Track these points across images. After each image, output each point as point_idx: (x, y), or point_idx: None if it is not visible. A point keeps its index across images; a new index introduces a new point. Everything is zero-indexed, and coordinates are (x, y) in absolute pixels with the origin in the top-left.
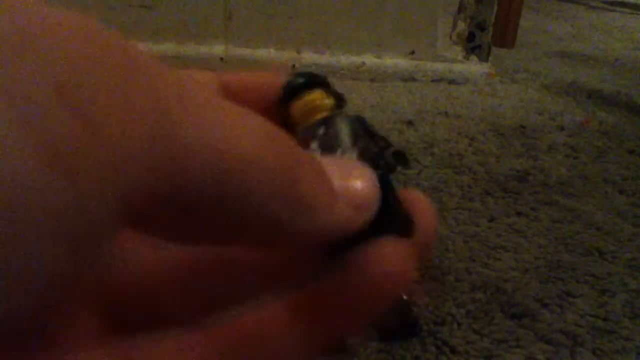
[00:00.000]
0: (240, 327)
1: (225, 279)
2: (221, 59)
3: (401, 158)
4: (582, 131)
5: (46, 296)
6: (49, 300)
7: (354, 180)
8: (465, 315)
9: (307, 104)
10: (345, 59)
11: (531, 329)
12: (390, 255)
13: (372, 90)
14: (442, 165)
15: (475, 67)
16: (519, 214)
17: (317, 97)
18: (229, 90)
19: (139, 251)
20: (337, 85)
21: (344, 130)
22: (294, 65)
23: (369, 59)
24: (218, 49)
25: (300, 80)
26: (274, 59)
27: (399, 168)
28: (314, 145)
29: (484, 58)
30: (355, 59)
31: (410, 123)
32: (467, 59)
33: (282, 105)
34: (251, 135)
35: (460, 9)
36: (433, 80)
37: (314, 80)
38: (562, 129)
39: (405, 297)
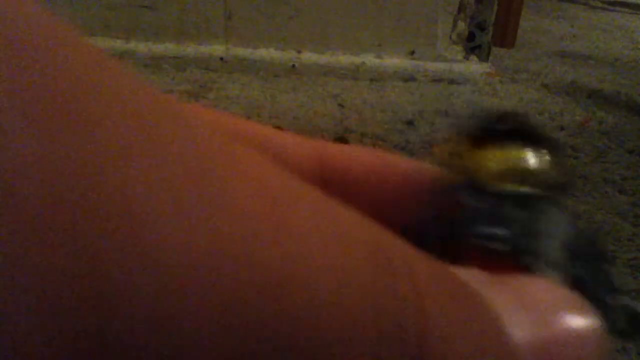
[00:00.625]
0: None
1: None
2: (221, 58)
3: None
4: (582, 131)
5: None
6: None
7: (563, 334)
8: None
9: (511, 161)
10: (345, 59)
11: None
12: None
13: (372, 90)
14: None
15: (475, 67)
16: None
17: (529, 159)
18: (333, 172)
19: None
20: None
21: (554, 233)
22: (293, 65)
23: (369, 59)
24: (218, 48)
25: (506, 126)
26: (274, 59)
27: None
28: (496, 232)
29: (484, 58)
30: (356, 59)
31: (410, 123)
32: (467, 59)
33: (461, 145)
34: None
35: (460, 9)
36: (433, 80)
37: (530, 132)
38: (562, 128)
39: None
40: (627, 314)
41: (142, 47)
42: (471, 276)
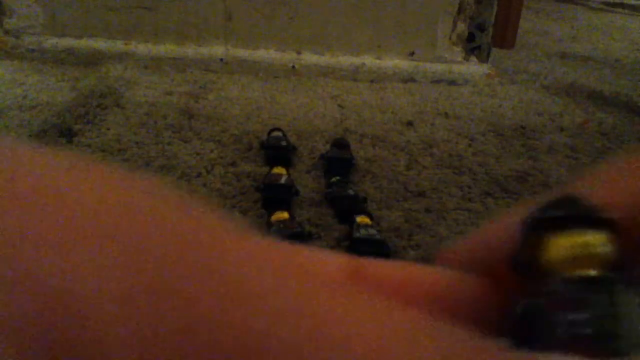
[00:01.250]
0: None
1: None
2: (221, 59)
3: None
4: (582, 132)
5: None
6: None
7: None
8: None
9: (577, 246)
10: (345, 60)
11: None
12: None
13: (372, 91)
14: (442, 165)
15: (475, 68)
16: None
17: (593, 241)
18: (368, 284)
19: None
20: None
21: (632, 312)
22: (293, 67)
23: (369, 60)
24: (218, 49)
25: (562, 212)
26: (273, 60)
27: None
28: (567, 318)
29: (483, 59)
30: (355, 60)
31: (410, 124)
32: (467, 60)
33: (526, 239)
34: None
35: (460, 9)
36: (433, 81)
37: (594, 216)
38: (561, 129)
39: None
40: None
41: (142, 48)
42: None
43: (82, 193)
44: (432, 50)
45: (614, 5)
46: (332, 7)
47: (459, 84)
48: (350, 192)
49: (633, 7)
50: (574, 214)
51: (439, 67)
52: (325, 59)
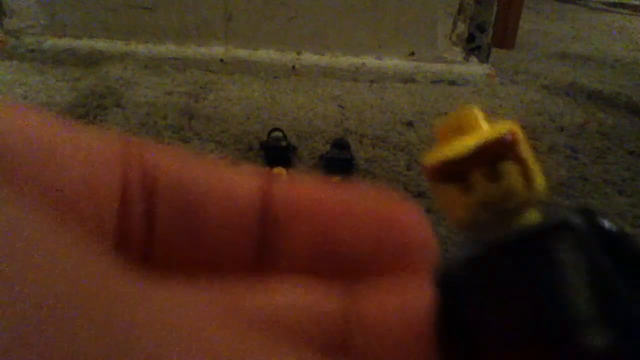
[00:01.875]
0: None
1: None
2: (221, 60)
3: None
4: (582, 132)
5: None
6: None
7: None
8: None
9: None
10: (345, 60)
11: None
12: None
13: (372, 91)
14: None
15: (475, 68)
16: None
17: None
18: (278, 207)
19: None
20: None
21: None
22: (293, 67)
23: (369, 60)
24: (218, 50)
25: None
26: (273, 60)
27: None
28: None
29: (483, 59)
30: (355, 60)
31: (410, 124)
32: (467, 60)
33: None
34: None
35: (460, 10)
36: (433, 82)
37: None
38: (562, 129)
39: None
40: None
41: (142, 48)
42: None
43: None
44: (432, 51)
45: (614, 5)
46: (332, 8)
47: (459, 84)
48: None
49: (633, 7)
50: None
51: (439, 68)
52: (325, 59)
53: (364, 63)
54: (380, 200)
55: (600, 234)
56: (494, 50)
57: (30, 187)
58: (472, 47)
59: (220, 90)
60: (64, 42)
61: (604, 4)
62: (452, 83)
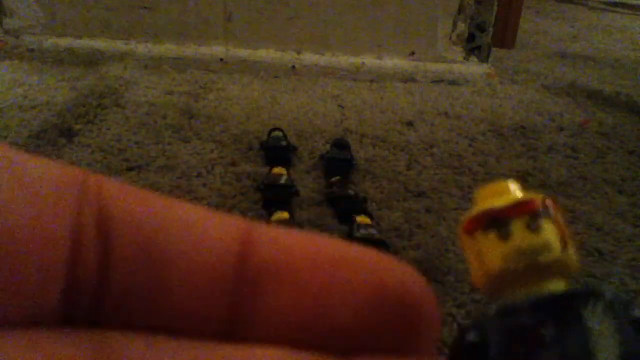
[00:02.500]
0: None
1: None
2: (221, 59)
3: None
4: (582, 132)
5: None
6: None
7: None
8: (465, 315)
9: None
10: (345, 60)
11: None
12: None
13: (372, 91)
14: (442, 165)
15: (475, 68)
16: None
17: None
18: (258, 259)
19: None
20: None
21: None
22: (293, 66)
23: (369, 60)
24: (218, 49)
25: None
26: (273, 60)
27: None
28: None
29: (483, 59)
30: (355, 60)
31: (410, 124)
32: (467, 60)
33: None
34: None
35: (460, 9)
36: (433, 81)
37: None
38: (562, 129)
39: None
40: None
41: (141, 48)
42: None
43: None
44: (433, 50)
45: (615, 5)
46: (332, 7)
47: (459, 84)
48: (351, 192)
49: (633, 7)
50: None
51: (439, 67)
52: (325, 59)
53: (364, 63)
54: (382, 264)
55: (630, 317)
56: (494, 50)
57: None
58: (472, 46)
59: (220, 89)
60: (64, 42)
61: (604, 3)
62: (452, 83)
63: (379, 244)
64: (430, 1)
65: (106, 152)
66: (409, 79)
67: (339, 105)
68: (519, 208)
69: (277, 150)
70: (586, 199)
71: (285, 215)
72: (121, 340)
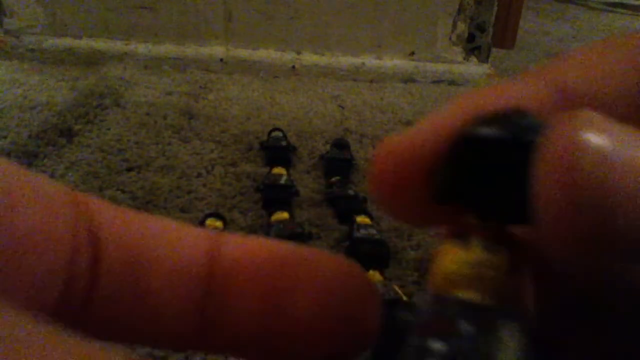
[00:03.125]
0: None
1: None
2: (221, 59)
3: None
4: None
5: None
6: None
7: None
8: None
9: (463, 264)
10: (345, 60)
11: None
12: None
13: (371, 91)
14: None
15: (475, 68)
16: None
17: (491, 263)
18: (225, 268)
19: None
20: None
21: (503, 352)
22: (293, 67)
23: (369, 60)
24: (218, 50)
25: (508, 130)
26: (273, 60)
27: None
28: (432, 345)
29: (483, 59)
30: (355, 60)
31: (410, 124)
32: (467, 60)
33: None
34: None
35: (460, 10)
36: (433, 81)
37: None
38: None
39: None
40: None
41: (141, 48)
42: None
43: None
44: (432, 51)
45: (615, 5)
46: (332, 7)
47: (459, 84)
48: (350, 192)
49: (634, 8)
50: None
51: (439, 67)
52: (325, 59)
53: (363, 63)
54: (332, 262)
55: None
56: (494, 50)
57: None
58: (472, 47)
59: (220, 90)
60: (64, 42)
61: (604, 4)
62: (452, 83)
63: (378, 244)
64: (430, 1)
65: (106, 152)
66: (409, 79)
67: (339, 106)
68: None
69: (277, 150)
70: None
71: (285, 215)
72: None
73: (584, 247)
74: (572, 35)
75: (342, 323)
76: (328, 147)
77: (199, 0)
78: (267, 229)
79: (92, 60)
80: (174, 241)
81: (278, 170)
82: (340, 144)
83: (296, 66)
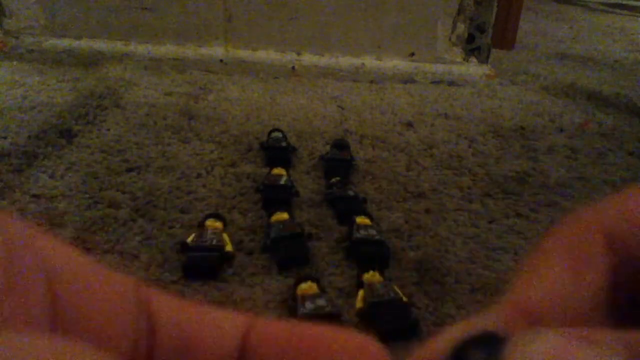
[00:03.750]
0: None
1: None
2: (221, 60)
3: None
4: (582, 133)
5: None
6: None
7: None
8: (465, 316)
9: None
10: (345, 61)
11: None
12: None
13: (371, 91)
14: (442, 166)
15: (474, 69)
16: (518, 215)
17: None
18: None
19: None
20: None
21: None
22: (293, 67)
23: (369, 61)
24: (218, 50)
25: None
26: (273, 61)
27: None
28: None
29: (483, 60)
30: (355, 61)
31: (410, 125)
32: (467, 61)
33: None
34: None
35: (460, 10)
36: (433, 82)
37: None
38: (561, 130)
39: (404, 299)
40: None
41: (142, 49)
42: None
43: None
44: (432, 51)
45: (614, 6)
46: (332, 8)
47: (458, 85)
48: (350, 193)
49: (633, 8)
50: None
51: (438, 68)
52: (325, 60)
53: (363, 63)
54: (357, 346)
55: None
56: (493, 50)
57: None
58: (472, 47)
59: (220, 90)
60: (64, 43)
61: (603, 4)
62: (451, 84)
63: (378, 244)
64: (430, 2)
65: (106, 153)
66: (408, 80)
67: (339, 106)
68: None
69: (277, 151)
70: (586, 199)
71: (284, 216)
72: None
73: None
74: (572, 36)
75: None
76: (328, 147)
77: (199, 1)
78: (267, 230)
79: (92, 61)
80: (215, 329)
81: (278, 170)
82: (340, 145)
83: (296, 67)
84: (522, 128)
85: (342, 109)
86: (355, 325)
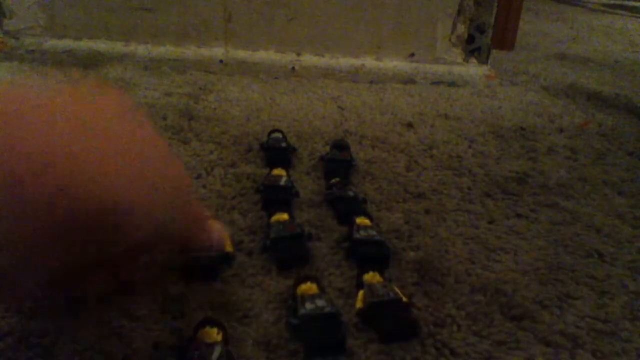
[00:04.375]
0: None
1: None
2: (221, 61)
3: None
4: (582, 133)
5: None
6: None
7: None
8: (465, 317)
9: None
10: (345, 61)
11: (531, 330)
12: None
13: (371, 92)
14: (442, 167)
15: (474, 69)
16: (518, 215)
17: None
18: None
19: None
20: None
21: None
22: (293, 68)
23: (369, 61)
24: (218, 51)
25: None
26: (273, 61)
27: None
28: None
29: (483, 60)
30: (355, 61)
31: (409, 125)
32: (467, 61)
33: None
34: None
35: (460, 11)
36: (432, 83)
37: None
38: (561, 130)
39: (405, 299)
40: None
41: (141, 49)
42: None
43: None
44: (432, 52)
45: (614, 6)
46: (332, 9)
47: (458, 86)
48: (350, 193)
49: (633, 9)
50: None
51: (438, 69)
52: (325, 60)
53: (363, 64)
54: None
55: None
56: (493, 51)
57: None
58: (472, 48)
59: (220, 91)
60: (64, 43)
61: (603, 5)
62: (451, 84)
63: (378, 245)
64: (429, 3)
65: None
66: (408, 80)
67: (339, 107)
68: None
69: (276, 151)
70: (585, 200)
71: (285, 216)
72: None
73: None
74: (572, 37)
75: None
76: (328, 148)
77: (199, 1)
78: (267, 230)
79: (92, 61)
80: None
81: (278, 171)
82: (340, 145)
83: (296, 67)
84: (522, 128)
85: (342, 109)
86: (355, 325)
